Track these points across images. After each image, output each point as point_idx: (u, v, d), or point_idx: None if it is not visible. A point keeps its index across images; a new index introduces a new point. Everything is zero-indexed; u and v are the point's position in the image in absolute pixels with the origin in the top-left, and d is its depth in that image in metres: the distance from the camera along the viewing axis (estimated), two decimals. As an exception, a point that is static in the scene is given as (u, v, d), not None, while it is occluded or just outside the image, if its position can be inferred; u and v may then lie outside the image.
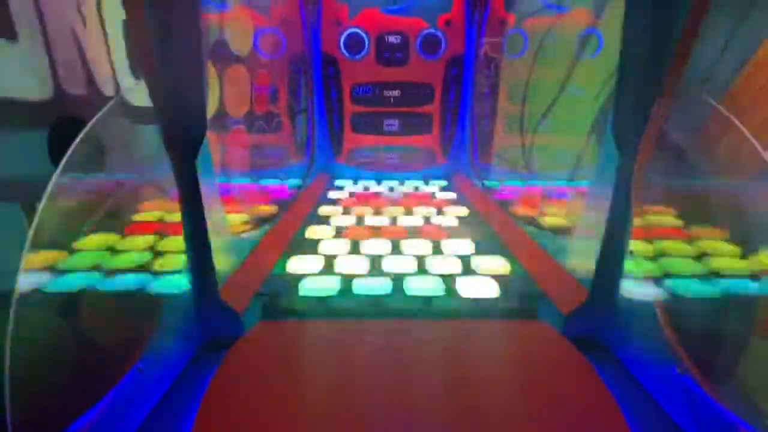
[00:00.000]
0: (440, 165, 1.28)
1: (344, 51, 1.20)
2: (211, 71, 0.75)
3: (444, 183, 1.25)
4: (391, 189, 1.18)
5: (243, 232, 0.75)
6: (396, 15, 1.17)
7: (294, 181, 1.12)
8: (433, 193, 1.14)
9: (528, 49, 0.99)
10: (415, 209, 0.98)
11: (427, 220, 0.91)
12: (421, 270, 0.68)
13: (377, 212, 0.97)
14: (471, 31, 1.17)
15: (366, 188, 1.19)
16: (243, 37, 0.88)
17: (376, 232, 0.84)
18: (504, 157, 1.08)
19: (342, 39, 1.19)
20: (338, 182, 1.25)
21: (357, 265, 0.69)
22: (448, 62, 1.21)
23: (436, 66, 1.22)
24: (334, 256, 0.72)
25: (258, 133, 0.95)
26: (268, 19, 0.98)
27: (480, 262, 0.70)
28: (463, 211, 0.98)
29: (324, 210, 0.98)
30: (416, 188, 1.20)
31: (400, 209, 0.98)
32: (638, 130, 0.47)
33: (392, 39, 1.19)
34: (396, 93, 1.23)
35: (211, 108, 0.76)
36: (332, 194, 1.11)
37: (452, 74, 1.22)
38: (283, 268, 0.68)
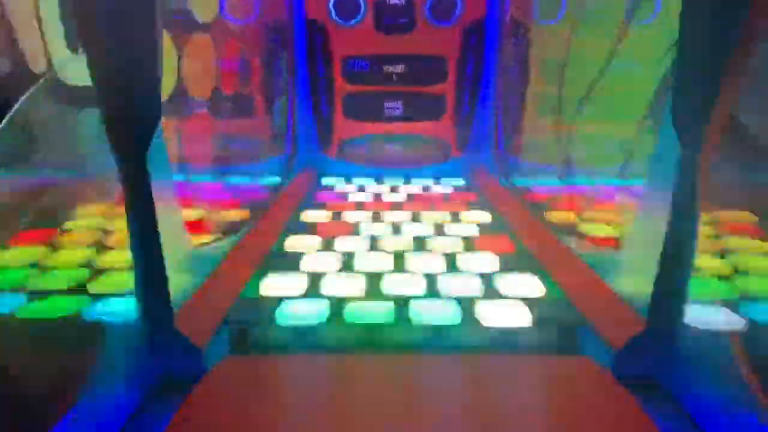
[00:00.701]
0: (456, 159, 1.29)
1: (334, 15, 1.21)
2: (167, 41, 0.76)
3: (460, 181, 1.26)
4: (394, 189, 1.19)
5: (206, 243, 0.75)
6: (400, -30, 1.20)
7: (271, 180, 1.13)
8: (447, 195, 1.15)
9: (565, 13, 1.00)
10: (424, 215, 0.99)
11: (439, 228, 0.92)
12: (432, 292, 0.68)
13: (376, 219, 0.97)
14: (494, -9, 1.19)
15: (361, 188, 1.19)
16: (207, -2, 0.90)
17: (374, 243, 0.84)
18: (536, 148, 1.09)
19: (332, 0, 1.20)
20: (326, 181, 1.25)
21: (350, 285, 0.69)
22: (465, 29, 1.22)
23: (450, 34, 1.22)
24: (321, 275, 0.72)
25: (226, 118, 0.96)
26: (238, -24, 1.00)
27: (506, 283, 0.71)
28: (485, 216, 0.98)
29: (308, 216, 0.98)
30: (425, 188, 1.20)
31: (405, 215, 0.98)
32: (704, 114, 0.48)
33: (395, 0, 1.20)
34: (399, 68, 1.24)
35: (167, 87, 0.77)
36: (319, 196, 1.12)
37: (470, 44, 1.23)
38: (256, 289, 0.69)
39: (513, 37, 1.15)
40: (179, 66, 0.78)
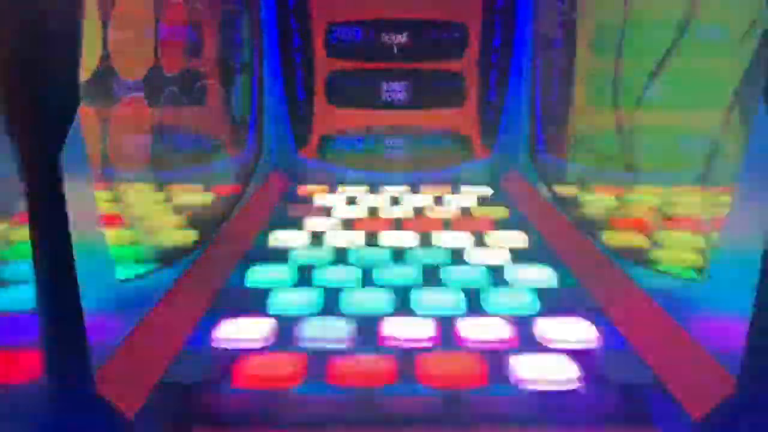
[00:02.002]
0: (480, 160, 1.30)
1: None
2: (89, 2, 0.75)
3: (486, 190, 1.26)
4: (396, 202, 1.19)
5: (139, 275, 0.74)
6: None
7: (228, 188, 1.13)
8: (468, 208, 1.15)
9: None
10: (436, 236, 0.99)
11: (457, 256, 0.92)
12: (448, 342, 0.69)
13: (370, 242, 0.97)
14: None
15: (351, 200, 1.20)
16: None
17: (368, 276, 0.85)
18: (587, 146, 1.10)
19: None
20: (303, 190, 1.26)
21: (335, 333, 0.70)
22: None
23: None
24: (295, 319, 0.72)
25: (167, 106, 0.96)
26: None
27: (549, 328, 0.71)
28: (520, 238, 0.98)
29: (278, 238, 0.99)
30: (438, 200, 1.21)
31: (411, 237, 0.99)
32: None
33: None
34: (403, 38, 1.25)
35: (88, 64, 0.76)
36: (293, 211, 1.12)
37: (497, 6, 1.25)
38: (207, 337, 0.69)
39: None
40: (105, 36, 0.78)
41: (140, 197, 0.92)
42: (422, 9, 1.24)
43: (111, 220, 0.79)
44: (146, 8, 0.91)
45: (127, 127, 0.87)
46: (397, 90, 1.28)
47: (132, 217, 0.85)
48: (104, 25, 0.77)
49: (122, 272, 0.65)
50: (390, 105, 1.29)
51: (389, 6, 1.24)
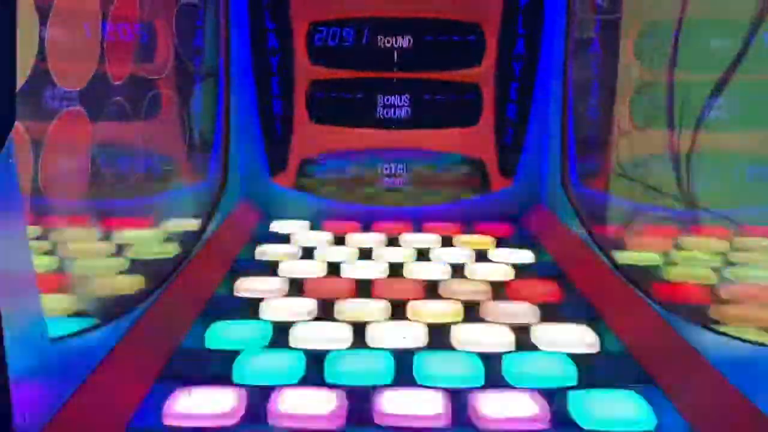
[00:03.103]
0: (499, 191, 1.31)
1: None
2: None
3: (507, 229, 1.26)
4: (393, 243, 1.19)
5: (74, 333, 0.73)
6: None
7: (184, 224, 1.13)
8: (485, 252, 1.15)
9: None
10: (445, 287, 0.99)
11: (471, 310, 0.92)
12: (461, 416, 0.69)
13: (363, 292, 0.97)
14: None
15: (339, 240, 1.20)
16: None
17: (358, 334, 0.84)
18: (633, 175, 1.09)
19: None
20: (277, 226, 1.27)
21: (314, 405, 0.70)
22: None
23: None
24: (269, 389, 0.72)
25: (113, 121, 0.97)
26: None
27: (590, 404, 0.71)
28: (549, 289, 0.99)
29: (245, 287, 0.99)
30: (446, 241, 1.20)
31: (413, 287, 0.99)
32: None
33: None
34: (405, 42, 1.26)
35: (21, 70, 0.74)
36: (263, 253, 1.13)
37: (521, 4, 1.26)
38: (160, 412, 0.69)
39: None
40: (42, 36, 0.79)
41: (77, 234, 0.92)
42: (428, 6, 1.26)
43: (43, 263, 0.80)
44: (90, 3, 0.92)
45: (62, 147, 0.87)
46: (396, 105, 1.29)
47: (67, 260, 0.85)
48: (43, 25, 0.77)
49: (55, 329, 0.65)
50: (387, 123, 1.30)
51: (387, 2, 1.26)
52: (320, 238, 1.21)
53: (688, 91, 1.00)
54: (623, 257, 1.05)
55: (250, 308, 0.93)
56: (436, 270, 1.08)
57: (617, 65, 1.13)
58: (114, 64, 0.96)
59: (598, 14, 1.18)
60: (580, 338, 0.85)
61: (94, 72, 0.91)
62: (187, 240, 1.09)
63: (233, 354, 0.80)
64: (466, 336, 0.86)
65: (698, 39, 1.00)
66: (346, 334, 0.85)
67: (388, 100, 1.29)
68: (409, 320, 0.91)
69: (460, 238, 1.23)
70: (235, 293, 0.98)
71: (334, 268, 1.07)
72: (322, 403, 0.70)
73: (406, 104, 1.29)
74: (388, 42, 1.27)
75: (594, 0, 1.19)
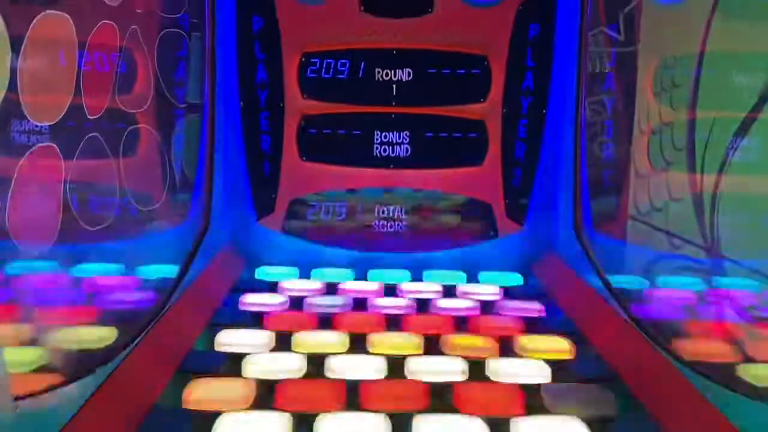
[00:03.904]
0: (507, 237, 1.30)
1: None
2: None
3: (515, 279, 1.27)
4: (390, 293, 1.19)
5: (35, 393, 0.72)
6: None
7: (160, 271, 1.12)
8: (490, 304, 1.15)
9: None
10: (446, 342, 0.99)
11: (477, 370, 0.91)
12: None
13: (356, 348, 0.97)
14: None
15: (331, 289, 1.20)
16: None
17: (353, 395, 0.83)
18: (653, 221, 1.09)
19: None
20: (264, 273, 1.27)
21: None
22: (518, 11, 1.25)
23: (493, 18, 1.24)
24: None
25: (87, 158, 0.96)
26: None
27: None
28: (560, 346, 0.98)
29: (227, 340, 0.98)
30: (448, 291, 1.20)
31: (411, 341, 0.99)
32: None
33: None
34: (404, 74, 1.25)
35: None
36: (248, 303, 1.12)
37: (529, 36, 1.26)
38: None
39: (606, 26, 1.17)
40: (15, 66, 0.78)
41: (44, 281, 0.91)
42: (430, 36, 1.25)
43: (5, 313, 0.79)
44: (68, 29, 0.91)
45: (32, 186, 0.86)
46: (394, 142, 1.29)
47: (31, 310, 0.85)
48: (16, 54, 0.78)
49: (18, 386, 0.65)
50: (385, 162, 1.29)
51: (386, 32, 1.25)
52: (310, 287, 1.20)
53: (711, 131, 1.00)
54: (642, 311, 1.03)
55: (232, 366, 0.91)
56: (437, 323, 1.06)
57: (634, 101, 1.13)
58: (90, 97, 0.96)
59: (613, 47, 1.17)
60: (596, 400, 0.84)
61: (69, 105, 0.91)
62: (165, 288, 1.07)
63: (213, 415, 0.77)
64: (470, 397, 0.84)
65: (723, 73, 0.99)
66: (338, 394, 0.83)
67: (386, 137, 1.28)
68: (407, 378, 0.89)
69: (463, 288, 1.22)
70: (216, 348, 0.96)
71: (325, 321, 1.06)
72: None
73: (405, 142, 1.29)
74: (387, 74, 1.27)
75: (606, 32, 1.18)
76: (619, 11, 1.15)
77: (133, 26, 1.06)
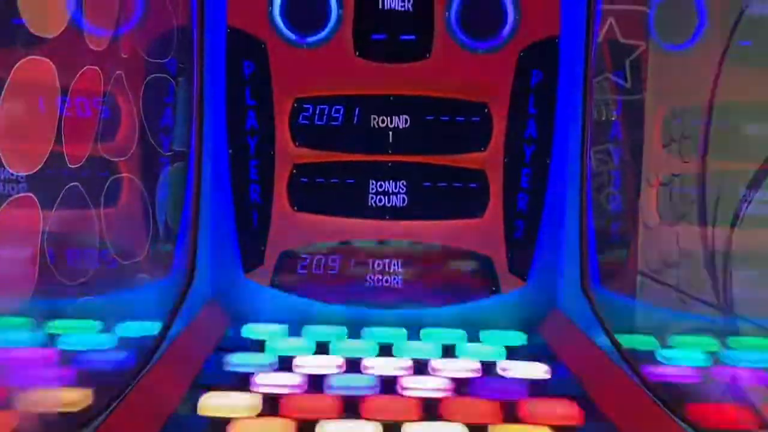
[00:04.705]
0: (509, 293, 1.30)
1: (280, 25, 1.25)
2: None
3: (519, 337, 1.27)
4: (386, 353, 1.19)
5: None
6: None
7: (141, 328, 1.11)
8: (493, 365, 1.15)
9: (707, 30, 1.04)
10: (446, 405, 0.97)
11: None
12: None
13: (348, 413, 0.95)
14: (573, -8, 1.24)
15: (321, 349, 1.20)
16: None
17: None
18: (664, 278, 1.08)
19: (278, 3, 1.25)
20: (251, 331, 1.27)
21: None
22: (520, 57, 1.26)
23: (494, 64, 1.26)
24: None
25: (66, 209, 0.95)
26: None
27: None
28: (566, 411, 0.97)
29: (210, 403, 0.97)
30: (448, 352, 1.20)
31: (406, 407, 0.97)
32: None
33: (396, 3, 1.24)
34: (401, 122, 1.26)
35: None
36: (233, 363, 1.12)
37: (531, 83, 1.27)
38: None
39: (612, 72, 1.18)
40: None
41: (17, 338, 0.91)
42: (428, 82, 1.25)
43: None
44: (51, 74, 0.91)
45: (8, 239, 0.86)
46: (390, 192, 1.28)
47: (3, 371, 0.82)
48: None
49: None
50: (380, 213, 1.29)
51: (382, 77, 1.26)
52: (300, 346, 1.19)
53: (723, 184, 1.02)
54: (654, 372, 1.02)
55: (216, 430, 0.89)
56: (436, 386, 1.04)
57: (641, 154, 1.14)
58: (71, 145, 0.96)
59: (619, 95, 1.18)
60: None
61: (48, 153, 0.91)
62: (145, 346, 1.05)
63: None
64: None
65: (734, 123, 1.02)
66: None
67: (381, 186, 1.28)
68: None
69: (464, 348, 1.20)
70: (200, 411, 0.94)
71: (316, 383, 1.04)
72: None
73: (402, 191, 1.28)
74: (383, 121, 1.26)
75: (614, 79, 1.18)
76: (624, 57, 1.16)
77: (118, 71, 1.06)
